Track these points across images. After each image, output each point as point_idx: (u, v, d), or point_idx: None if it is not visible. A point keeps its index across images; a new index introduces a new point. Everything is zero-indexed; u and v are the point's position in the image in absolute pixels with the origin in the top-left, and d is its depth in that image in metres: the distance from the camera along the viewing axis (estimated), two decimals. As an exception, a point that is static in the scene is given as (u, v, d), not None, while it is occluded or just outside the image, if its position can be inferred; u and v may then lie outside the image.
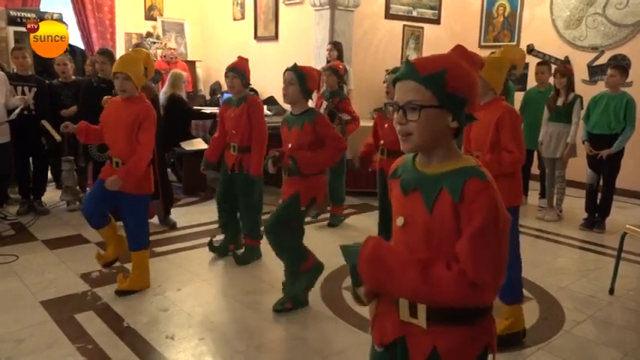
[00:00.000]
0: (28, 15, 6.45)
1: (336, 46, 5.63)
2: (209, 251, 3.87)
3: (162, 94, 5.57)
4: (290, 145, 2.93)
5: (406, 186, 1.29)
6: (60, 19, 6.40)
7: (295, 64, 2.94)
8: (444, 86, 1.18)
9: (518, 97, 5.84)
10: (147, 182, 3.15)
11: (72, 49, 5.40)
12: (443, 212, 1.21)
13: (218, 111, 6.03)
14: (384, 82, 4.63)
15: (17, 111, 4.39)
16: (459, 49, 1.27)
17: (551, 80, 5.22)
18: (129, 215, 3.15)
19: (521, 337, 2.73)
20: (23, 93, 4.68)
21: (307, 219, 3.66)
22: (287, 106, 3.07)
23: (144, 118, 3.04)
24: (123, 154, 3.06)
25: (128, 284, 3.18)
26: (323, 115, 2.97)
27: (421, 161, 1.29)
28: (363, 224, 4.74)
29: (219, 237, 3.97)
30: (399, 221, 1.29)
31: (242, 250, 3.83)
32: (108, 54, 4.54)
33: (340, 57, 5.62)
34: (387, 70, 4.87)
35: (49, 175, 5.43)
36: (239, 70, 3.60)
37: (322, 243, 3.30)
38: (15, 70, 4.90)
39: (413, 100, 1.20)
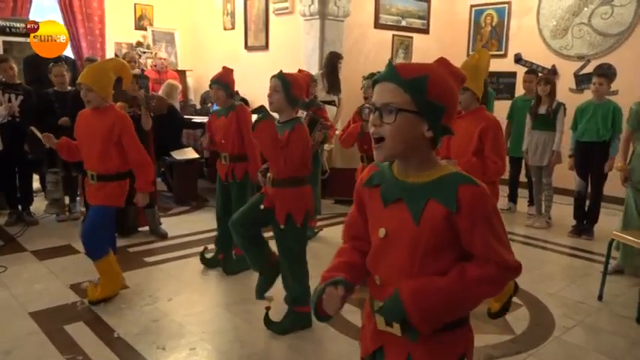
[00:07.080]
0: (17, 25, 6.43)
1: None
2: (201, 263, 3.83)
3: None
4: None
5: (388, 196, 1.26)
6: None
7: (281, 71, 2.87)
8: (424, 92, 1.16)
9: (500, 105, 5.89)
10: (120, 196, 3.12)
11: (65, 59, 5.37)
12: (433, 224, 1.18)
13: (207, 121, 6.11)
14: (361, 89, 4.67)
15: (1, 120, 4.38)
16: (443, 62, 1.25)
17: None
18: (88, 223, 3.11)
19: (512, 298, 2.85)
20: (10, 100, 4.66)
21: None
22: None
23: (122, 127, 3.02)
24: (99, 167, 3.02)
25: (100, 293, 3.14)
26: (304, 125, 2.85)
27: (399, 169, 1.26)
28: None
29: (213, 247, 3.91)
30: (381, 232, 1.26)
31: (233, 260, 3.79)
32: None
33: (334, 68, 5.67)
34: (363, 77, 4.92)
35: (38, 184, 5.39)
36: (223, 82, 3.61)
37: (319, 250, 3.29)
38: (4, 79, 4.87)
39: (390, 103, 1.17)
